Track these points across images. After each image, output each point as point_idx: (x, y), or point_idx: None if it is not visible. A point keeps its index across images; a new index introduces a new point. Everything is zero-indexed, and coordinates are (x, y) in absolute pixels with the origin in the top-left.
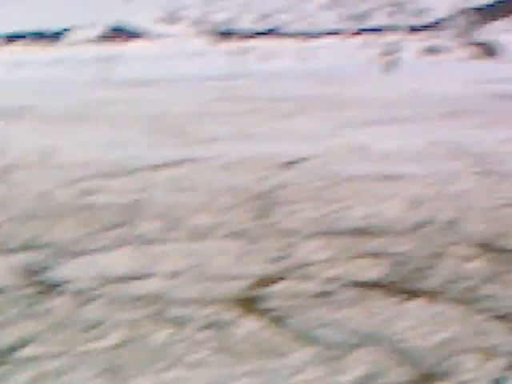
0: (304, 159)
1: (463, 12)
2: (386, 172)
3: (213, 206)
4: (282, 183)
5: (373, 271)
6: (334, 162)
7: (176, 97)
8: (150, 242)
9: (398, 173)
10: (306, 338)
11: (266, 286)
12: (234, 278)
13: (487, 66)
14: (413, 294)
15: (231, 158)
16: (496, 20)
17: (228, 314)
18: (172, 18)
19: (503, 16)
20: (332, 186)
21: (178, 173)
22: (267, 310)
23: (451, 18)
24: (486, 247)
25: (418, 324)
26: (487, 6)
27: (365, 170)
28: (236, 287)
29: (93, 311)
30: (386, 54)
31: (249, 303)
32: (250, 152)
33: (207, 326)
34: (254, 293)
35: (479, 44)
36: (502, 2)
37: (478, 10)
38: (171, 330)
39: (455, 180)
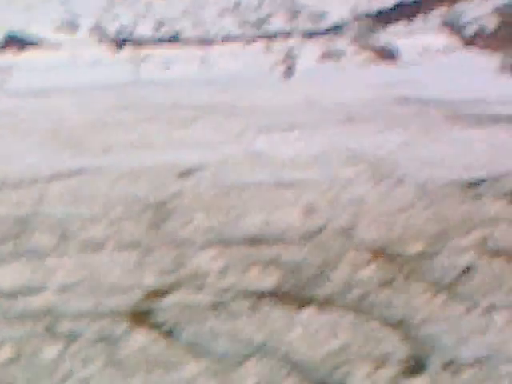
0: (200, 168)
1: (360, 16)
2: (282, 179)
3: (107, 217)
4: (178, 193)
5: (266, 281)
6: (229, 170)
7: (74, 106)
8: (43, 255)
9: (293, 180)
10: (197, 350)
11: (159, 298)
12: (126, 290)
13: (385, 70)
14: (305, 302)
15: (127, 168)
16: (393, 24)
17: (119, 328)
18: (70, 27)
19: (400, 20)
20: (227, 194)
21: (73, 184)
22: (159, 323)
23: (349, 22)
24: (380, 253)
25: (310, 333)
26: (384, 10)
27: (260, 177)
28: (128, 300)
29: None
30: (284, 59)
31: (140, 316)
32: (147, 161)
33: (98, 340)
34: (146, 305)
35: (377, 48)
36: (399, 6)
37: (376, 14)
38: (61, 346)
39: (350, 186)
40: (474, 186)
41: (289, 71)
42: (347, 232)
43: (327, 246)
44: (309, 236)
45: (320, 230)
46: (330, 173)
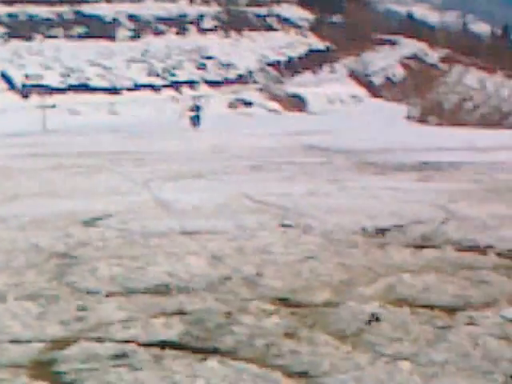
0: (105, 216)
1: (268, 66)
2: (187, 228)
3: (9, 267)
4: (82, 242)
5: (170, 331)
6: (135, 219)
7: None
8: None
9: (199, 228)
10: None
11: (60, 348)
12: (29, 341)
13: (293, 119)
14: (209, 353)
15: (31, 217)
16: (301, 73)
17: (20, 380)
18: None
19: (308, 69)
20: (132, 243)
21: None
22: (60, 374)
23: (256, 72)
24: (285, 303)
25: None
26: (292, 60)
27: (166, 226)
28: (28, 351)
29: None
30: (192, 108)
31: (41, 367)
32: (52, 210)
33: None
34: (47, 356)
35: (285, 98)
36: (307, 56)
37: (283, 64)
38: None
39: (257, 235)
40: (379, 234)
41: (196, 120)
42: (252, 281)
43: (232, 295)
44: (214, 285)
45: (225, 279)
46: (235, 222)
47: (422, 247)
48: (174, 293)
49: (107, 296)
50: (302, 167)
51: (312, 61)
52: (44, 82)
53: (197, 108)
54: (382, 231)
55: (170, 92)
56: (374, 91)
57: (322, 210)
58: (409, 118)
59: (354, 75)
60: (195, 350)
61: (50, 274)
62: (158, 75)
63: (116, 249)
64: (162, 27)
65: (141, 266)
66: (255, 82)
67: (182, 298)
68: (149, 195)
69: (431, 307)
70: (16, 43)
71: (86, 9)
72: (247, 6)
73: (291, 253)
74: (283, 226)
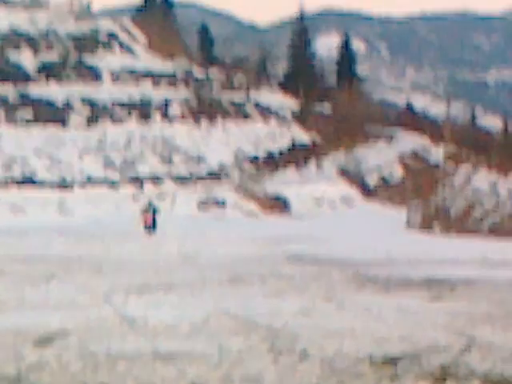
0: (63, 334)
1: (244, 161)
2: (161, 350)
3: None
4: (36, 364)
5: None
6: (97, 338)
7: None
8: None
9: (174, 351)
10: None
11: None
12: None
13: (276, 222)
14: None
15: None
16: (283, 170)
17: None
18: None
19: (291, 166)
20: (96, 368)
21: None
22: None
23: (231, 166)
24: None
25: None
26: (272, 154)
27: (135, 347)
28: None
29: None
30: (146, 209)
31: None
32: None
33: None
34: None
35: (264, 197)
36: (290, 150)
37: (262, 159)
38: None
39: (244, 360)
40: (389, 364)
41: (151, 223)
42: None
43: None
44: None
45: None
46: (217, 344)
47: (443, 380)
48: None
49: None
50: (290, 280)
51: (296, 156)
52: None
53: (152, 210)
54: (392, 360)
55: (130, 189)
56: (368, 193)
57: (319, 332)
58: (409, 224)
59: (344, 174)
60: None
61: None
62: (115, 169)
63: (77, 374)
64: (121, 113)
65: None
66: (229, 179)
67: None
68: (111, 310)
69: None
70: None
71: (33, 90)
72: (221, 90)
73: (287, 383)
74: (274, 352)
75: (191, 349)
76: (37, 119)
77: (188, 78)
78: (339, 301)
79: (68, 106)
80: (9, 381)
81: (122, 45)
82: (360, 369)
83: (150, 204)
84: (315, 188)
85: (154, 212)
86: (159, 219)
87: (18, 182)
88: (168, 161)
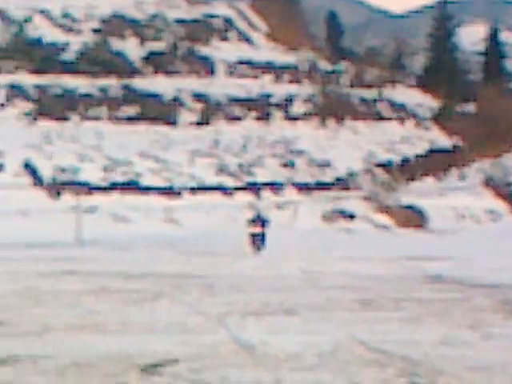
0: (170, 362)
1: (376, 167)
2: (284, 382)
3: None
4: None
5: None
6: (211, 367)
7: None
8: None
9: (300, 383)
10: None
11: None
12: None
13: (409, 238)
14: None
15: (71, 359)
16: (419, 179)
17: None
18: None
19: (429, 174)
20: None
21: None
22: None
23: (361, 173)
24: None
25: None
26: (407, 160)
27: (254, 378)
28: None
29: None
30: (254, 220)
31: None
32: (98, 350)
33: None
34: None
35: (398, 209)
36: (427, 156)
37: (396, 166)
38: None
39: None
40: None
41: (260, 239)
42: None
43: None
44: None
45: None
46: (347, 376)
47: None
48: None
49: None
50: (429, 305)
51: (435, 162)
52: (80, 178)
53: (261, 222)
54: None
55: (246, 196)
56: None
57: (464, 365)
58: None
59: (490, 184)
60: None
61: None
62: (230, 174)
63: None
64: (237, 111)
65: None
66: (359, 187)
67: None
68: (226, 335)
69: None
70: (45, 125)
71: (139, 83)
72: (350, 86)
73: None
74: None
75: (317, 381)
76: (142, 116)
77: (313, 72)
78: (485, 329)
79: (177, 101)
80: None
81: (239, 33)
82: None
83: (258, 215)
84: (457, 200)
85: (264, 224)
86: (269, 234)
87: (120, 187)
88: (289, 166)
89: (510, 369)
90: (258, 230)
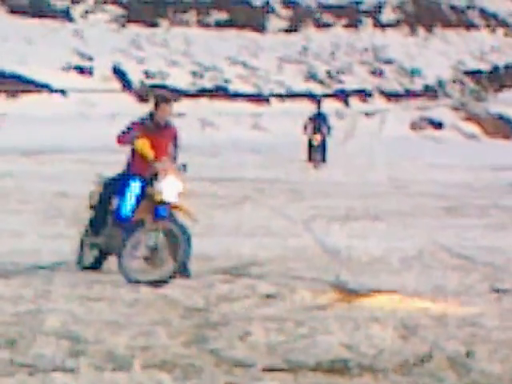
0: (257, 264)
1: (466, 76)
2: (367, 285)
3: None
4: (225, 296)
5: None
6: (296, 269)
7: None
8: None
9: (382, 287)
10: None
11: None
12: None
13: (497, 147)
14: None
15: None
16: (508, 88)
17: None
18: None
19: None
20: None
21: None
22: None
23: (451, 82)
24: None
25: None
26: (497, 69)
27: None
28: None
29: None
30: (313, 125)
31: None
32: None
33: None
34: None
35: (487, 118)
36: (510, 69)
37: (485, 74)
38: None
39: (462, 301)
40: None
41: (320, 149)
42: (460, 363)
43: (434, 380)
44: (408, 366)
45: (423, 358)
46: (430, 281)
47: None
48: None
49: None
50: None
51: None
52: (169, 83)
53: (319, 123)
54: None
55: (334, 104)
56: None
57: None
58: None
59: None
60: None
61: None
62: (318, 81)
63: None
64: (327, 18)
65: (306, 333)
66: (448, 96)
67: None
68: (311, 239)
69: None
70: (135, 30)
71: None
72: None
73: (509, 328)
74: (495, 290)
75: (401, 285)
76: (231, 23)
77: None
78: None
79: (267, 7)
80: (199, 312)
81: None
82: None
83: (319, 113)
84: None
85: (328, 129)
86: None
87: (209, 93)
88: (378, 73)
89: None
90: (317, 139)
